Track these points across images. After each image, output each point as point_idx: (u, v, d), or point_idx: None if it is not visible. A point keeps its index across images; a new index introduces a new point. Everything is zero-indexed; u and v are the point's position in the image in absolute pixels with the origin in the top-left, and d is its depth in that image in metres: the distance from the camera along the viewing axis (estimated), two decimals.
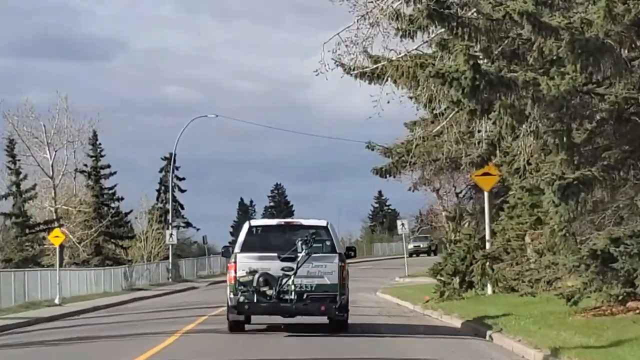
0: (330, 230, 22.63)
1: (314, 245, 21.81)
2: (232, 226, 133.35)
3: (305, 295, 21.78)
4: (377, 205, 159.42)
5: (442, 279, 33.48)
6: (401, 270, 63.91)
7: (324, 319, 22.88)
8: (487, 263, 31.94)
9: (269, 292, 21.65)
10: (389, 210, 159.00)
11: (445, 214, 47.40)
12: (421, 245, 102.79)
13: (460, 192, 44.04)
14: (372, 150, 35.31)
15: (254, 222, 23.43)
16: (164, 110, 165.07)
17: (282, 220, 25.30)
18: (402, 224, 65.59)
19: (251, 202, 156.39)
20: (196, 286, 63.93)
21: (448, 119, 29.99)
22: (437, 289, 33.45)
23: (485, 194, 33.52)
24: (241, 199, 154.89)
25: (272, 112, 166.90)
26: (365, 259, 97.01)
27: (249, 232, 22.66)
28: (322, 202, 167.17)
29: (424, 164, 34.16)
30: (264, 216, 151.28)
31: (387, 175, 35.10)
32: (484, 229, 33.63)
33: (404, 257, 67.33)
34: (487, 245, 32.85)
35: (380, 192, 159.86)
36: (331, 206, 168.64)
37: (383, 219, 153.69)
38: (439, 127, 31.25)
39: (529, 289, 22.66)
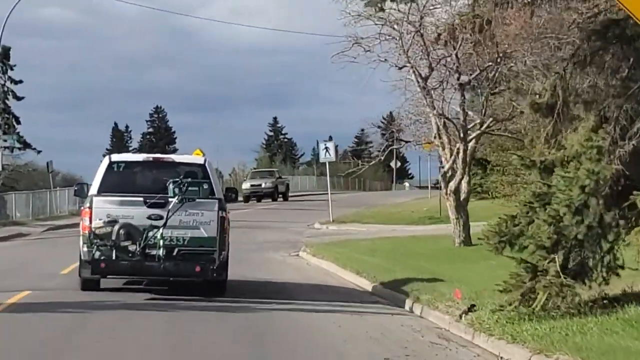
0: (209, 170, 19.54)
1: (190, 188, 18.43)
2: (103, 155, 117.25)
3: (176, 251, 18.30)
4: (271, 133, 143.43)
5: (529, 259, 13.19)
6: (320, 213, 50.35)
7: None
8: None
9: (132, 247, 18.19)
10: (285, 140, 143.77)
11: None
12: (263, 185, 69.35)
13: (469, 82, 23.14)
14: None
15: (115, 157, 19.95)
16: (44, 33, 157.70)
17: (150, 156, 20.88)
18: (326, 148, 48.43)
19: (127, 127, 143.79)
20: (26, 232, 44.82)
21: None
22: (516, 280, 13.18)
23: None
24: (115, 124, 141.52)
25: (158, 38, 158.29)
26: None
27: (109, 170, 19.24)
28: (209, 133, 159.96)
29: None
30: (142, 144, 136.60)
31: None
32: (635, 133, 13.39)
33: (327, 194, 50.85)
34: None
35: (275, 118, 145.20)
36: (219, 137, 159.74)
37: (278, 149, 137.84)
38: None
39: None
